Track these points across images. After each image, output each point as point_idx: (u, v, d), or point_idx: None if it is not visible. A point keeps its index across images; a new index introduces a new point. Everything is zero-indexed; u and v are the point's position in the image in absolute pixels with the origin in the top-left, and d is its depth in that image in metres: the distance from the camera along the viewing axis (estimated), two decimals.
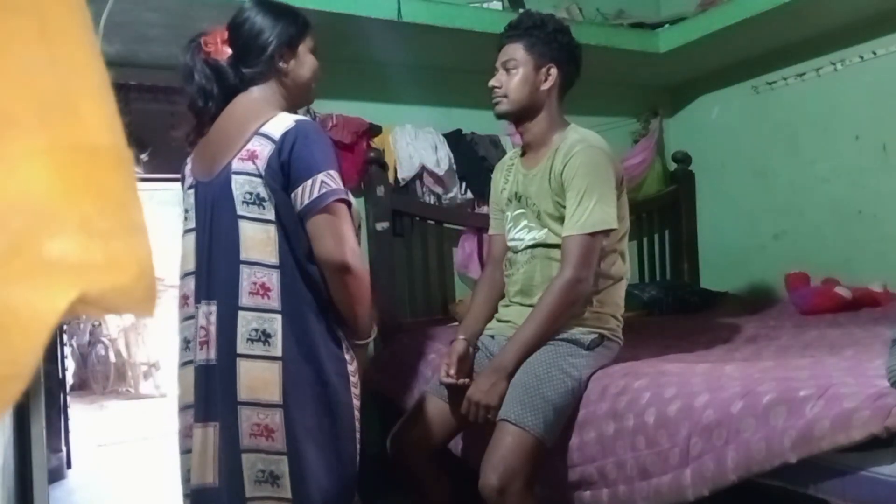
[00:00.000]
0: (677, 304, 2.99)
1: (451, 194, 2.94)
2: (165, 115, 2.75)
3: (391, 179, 2.80)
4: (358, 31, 2.44)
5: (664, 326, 2.56)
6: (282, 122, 1.40)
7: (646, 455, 1.46)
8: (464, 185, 2.97)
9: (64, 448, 3.39)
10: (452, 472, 1.84)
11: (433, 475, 1.82)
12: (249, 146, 1.39)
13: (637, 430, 1.50)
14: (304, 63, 1.51)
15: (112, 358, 6.61)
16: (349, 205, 1.41)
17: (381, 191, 2.75)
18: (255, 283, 1.39)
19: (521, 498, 1.55)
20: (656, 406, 1.48)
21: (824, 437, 1.14)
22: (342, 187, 1.39)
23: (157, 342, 6.23)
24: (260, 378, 1.38)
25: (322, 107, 2.67)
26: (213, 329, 1.43)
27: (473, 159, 2.96)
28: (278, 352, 1.38)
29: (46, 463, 2.11)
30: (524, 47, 1.75)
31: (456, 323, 2.58)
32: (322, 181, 1.36)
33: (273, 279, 1.39)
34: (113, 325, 6.60)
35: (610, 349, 1.77)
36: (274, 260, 1.39)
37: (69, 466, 3.42)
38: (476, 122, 2.96)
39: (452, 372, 1.74)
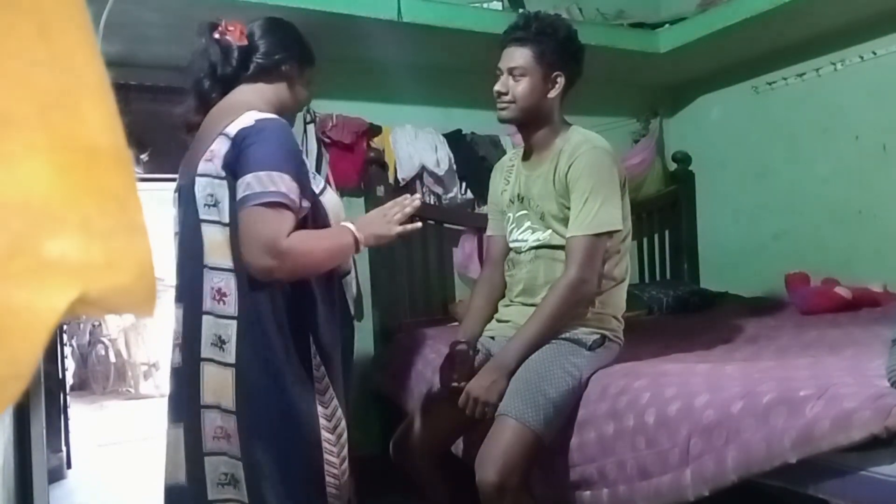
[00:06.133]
0: (677, 304, 2.99)
1: (451, 194, 2.94)
2: (165, 115, 2.75)
3: (391, 179, 2.80)
4: (358, 31, 2.44)
5: (664, 326, 2.56)
6: (243, 121, 1.36)
7: (646, 455, 1.46)
8: (464, 185, 2.97)
9: (64, 448, 3.39)
10: (454, 473, 1.84)
11: (436, 479, 1.81)
12: (213, 146, 1.37)
13: (637, 430, 1.50)
14: (302, 87, 1.54)
15: (112, 358, 6.61)
16: (284, 206, 1.31)
17: (381, 191, 2.75)
18: (212, 289, 1.37)
19: (518, 493, 1.56)
20: (656, 406, 1.48)
21: (824, 437, 1.14)
22: (271, 189, 1.29)
23: (157, 342, 6.24)
24: (220, 384, 1.37)
25: (322, 107, 2.67)
26: (181, 333, 1.43)
27: (473, 159, 2.96)
28: (232, 359, 1.36)
29: (46, 463, 2.11)
30: (534, 56, 1.70)
31: (456, 323, 2.58)
32: (248, 183, 1.30)
33: (231, 284, 1.36)
34: (113, 325, 6.60)
35: (611, 350, 1.77)
36: (230, 263, 1.36)
37: (69, 466, 3.41)
38: (476, 122, 2.96)
39: (455, 376, 1.74)
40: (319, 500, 1.42)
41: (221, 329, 1.37)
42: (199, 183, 1.38)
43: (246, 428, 1.37)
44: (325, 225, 1.46)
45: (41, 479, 1.96)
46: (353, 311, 1.53)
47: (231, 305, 1.36)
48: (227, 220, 1.36)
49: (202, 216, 1.38)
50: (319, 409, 1.41)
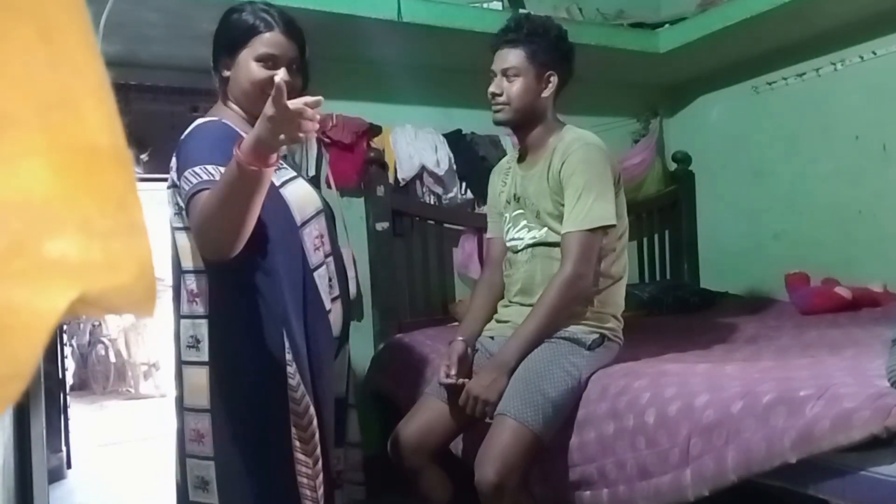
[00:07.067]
0: (677, 304, 2.98)
1: (451, 194, 2.94)
2: (165, 115, 2.75)
3: (391, 179, 2.80)
4: (358, 31, 2.44)
5: (664, 326, 2.56)
6: (187, 131, 1.40)
7: (646, 455, 1.46)
8: (464, 185, 2.97)
9: (64, 448, 3.39)
10: (452, 473, 1.84)
11: (434, 477, 1.81)
12: (172, 159, 1.42)
13: (637, 430, 1.50)
14: (242, 70, 1.41)
15: (112, 358, 6.61)
16: (203, 189, 1.27)
17: (381, 191, 2.75)
18: (187, 291, 1.41)
19: (517, 493, 1.56)
20: (656, 406, 1.48)
21: (824, 437, 1.14)
22: (193, 182, 1.28)
23: (157, 342, 6.23)
24: (196, 384, 1.40)
25: (322, 107, 2.66)
26: (173, 336, 1.46)
27: (473, 159, 2.96)
28: (206, 356, 1.39)
29: (46, 463, 2.11)
30: (526, 56, 1.73)
31: (456, 323, 2.58)
32: (181, 187, 1.32)
33: (202, 284, 1.39)
34: (113, 325, 6.60)
35: (610, 349, 1.78)
36: (199, 265, 1.39)
37: (69, 466, 3.41)
38: (476, 122, 2.96)
39: (452, 373, 1.74)
40: (290, 499, 1.39)
41: (196, 329, 1.40)
42: (168, 193, 1.44)
43: (218, 425, 1.39)
44: (286, 217, 1.41)
45: (41, 479, 1.96)
46: (327, 306, 1.47)
47: (202, 305, 1.40)
48: (188, 223, 1.39)
49: (173, 224, 1.43)
50: (291, 405, 1.38)
